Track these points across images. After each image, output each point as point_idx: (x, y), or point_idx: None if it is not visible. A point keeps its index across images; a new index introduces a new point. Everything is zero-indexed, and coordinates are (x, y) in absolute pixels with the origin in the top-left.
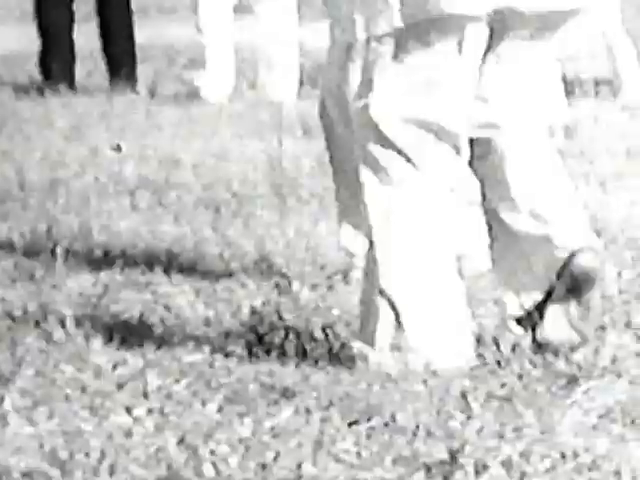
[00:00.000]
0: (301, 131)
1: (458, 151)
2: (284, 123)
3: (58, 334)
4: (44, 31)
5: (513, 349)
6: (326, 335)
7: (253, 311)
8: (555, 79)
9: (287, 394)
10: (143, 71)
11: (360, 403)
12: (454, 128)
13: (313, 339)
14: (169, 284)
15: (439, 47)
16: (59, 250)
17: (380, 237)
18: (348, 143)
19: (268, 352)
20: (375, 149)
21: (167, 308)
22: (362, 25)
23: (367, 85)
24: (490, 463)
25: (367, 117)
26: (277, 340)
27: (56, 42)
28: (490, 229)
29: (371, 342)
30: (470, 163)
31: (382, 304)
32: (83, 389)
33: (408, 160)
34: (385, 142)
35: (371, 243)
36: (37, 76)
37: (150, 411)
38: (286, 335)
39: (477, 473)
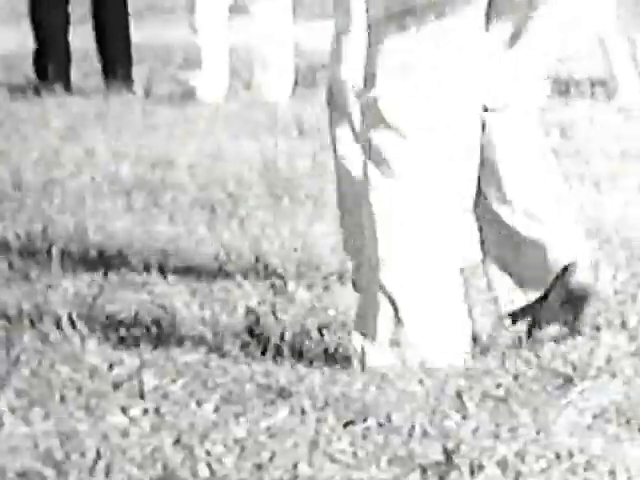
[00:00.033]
0: (296, 131)
1: (463, 142)
2: (279, 123)
3: (54, 334)
4: (39, 32)
5: (509, 349)
6: (322, 335)
7: (249, 311)
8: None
9: (283, 394)
10: (138, 71)
11: (356, 403)
12: (461, 119)
13: (309, 339)
14: (165, 284)
15: (442, 34)
16: (55, 250)
17: (382, 232)
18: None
19: (264, 352)
20: (380, 141)
21: (163, 308)
22: (361, 11)
23: (371, 78)
24: (485, 463)
25: (375, 109)
26: (273, 340)
27: (52, 43)
28: (483, 220)
29: (371, 337)
30: None
31: (382, 299)
32: (79, 389)
33: (412, 152)
34: (391, 134)
35: (371, 239)
36: (33, 77)
37: (146, 411)
38: (282, 335)
39: (472, 473)
